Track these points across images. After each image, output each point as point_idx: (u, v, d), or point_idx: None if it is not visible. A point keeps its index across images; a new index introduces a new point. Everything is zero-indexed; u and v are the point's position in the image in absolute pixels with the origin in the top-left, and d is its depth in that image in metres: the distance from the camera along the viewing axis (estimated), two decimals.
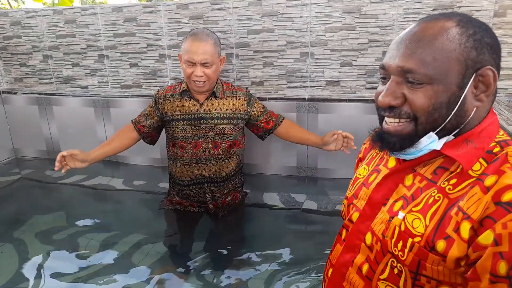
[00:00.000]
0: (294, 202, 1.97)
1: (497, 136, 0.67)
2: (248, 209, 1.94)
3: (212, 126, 1.72)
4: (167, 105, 1.75)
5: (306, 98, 2.09)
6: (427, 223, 0.64)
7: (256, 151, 2.26)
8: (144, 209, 1.97)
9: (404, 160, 0.74)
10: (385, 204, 0.73)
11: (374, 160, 0.86)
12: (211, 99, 1.72)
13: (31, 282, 1.44)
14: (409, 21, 1.90)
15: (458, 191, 0.64)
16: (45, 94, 2.57)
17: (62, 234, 1.74)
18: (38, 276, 1.47)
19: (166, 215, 1.87)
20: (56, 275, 1.48)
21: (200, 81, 1.63)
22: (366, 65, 2.04)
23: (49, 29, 2.51)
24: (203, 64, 1.61)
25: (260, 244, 1.64)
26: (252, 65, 2.20)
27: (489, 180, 0.61)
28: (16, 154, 2.75)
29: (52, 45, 2.54)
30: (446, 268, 0.62)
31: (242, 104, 1.76)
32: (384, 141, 0.70)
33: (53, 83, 2.63)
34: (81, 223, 1.83)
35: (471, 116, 0.66)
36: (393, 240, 0.68)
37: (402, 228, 0.67)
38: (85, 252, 1.60)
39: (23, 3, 7.04)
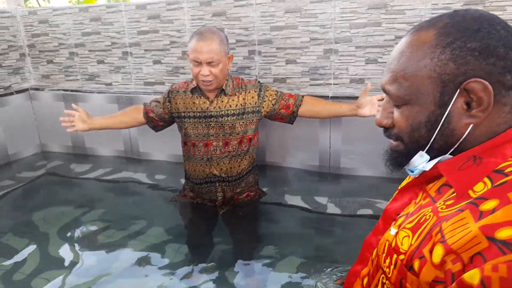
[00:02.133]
0: (316, 201, 1.95)
1: None
2: (264, 206, 1.92)
3: (222, 124, 1.72)
4: (179, 101, 1.76)
5: (330, 95, 2.06)
6: (413, 242, 0.60)
7: (278, 148, 2.25)
8: (163, 205, 1.99)
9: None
10: (395, 220, 0.70)
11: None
12: (220, 97, 1.71)
13: (54, 275, 1.47)
14: None
15: (449, 211, 0.57)
16: (71, 90, 2.63)
17: (85, 228, 1.78)
18: (60, 269, 1.51)
19: (181, 210, 1.91)
20: (78, 269, 1.51)
21: (206, 80, 1.62)
22: None
23: (75, 27, 2.56)
24: (209, 63, 1.59)
25: (275, 243, 1.63)
26: (275, 62, 2.19)
27: (487, 205, 0.51)
28: (43, 149, 2.83)
29: (78, 42, 2.59)
30: None
31: (253, 97, 1.74)
32: (385, 157, 0.71)
33: (78, 80, 2.69)
34: (102, 217, 1.88)
35: (466, 134, 0.58)
36: (383, 255, 0.66)
37: (393, 244, 0.64)
38: (103, 247, 1.64)
39: (49, 2, 7.22)
